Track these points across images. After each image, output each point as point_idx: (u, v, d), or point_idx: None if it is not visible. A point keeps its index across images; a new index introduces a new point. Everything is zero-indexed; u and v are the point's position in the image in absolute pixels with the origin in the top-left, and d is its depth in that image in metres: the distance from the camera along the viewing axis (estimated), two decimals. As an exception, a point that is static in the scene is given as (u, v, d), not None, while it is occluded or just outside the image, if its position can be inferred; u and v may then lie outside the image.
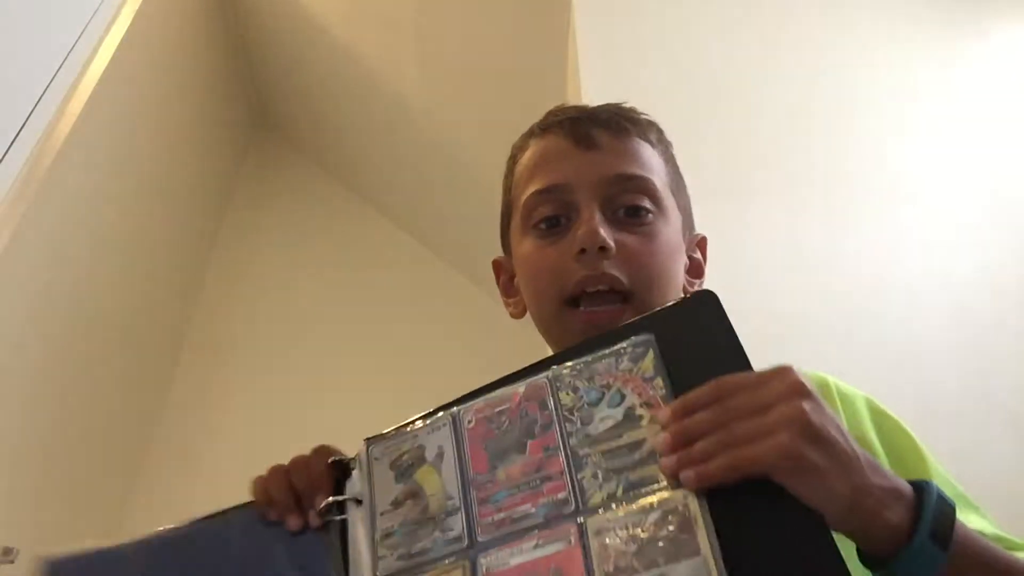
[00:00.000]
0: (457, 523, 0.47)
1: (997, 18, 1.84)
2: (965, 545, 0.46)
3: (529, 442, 0.48)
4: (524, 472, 0.47)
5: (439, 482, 0.49)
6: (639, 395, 0.46)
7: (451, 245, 2.88)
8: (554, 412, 0.48)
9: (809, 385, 0.45)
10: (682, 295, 0.71)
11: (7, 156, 1.32)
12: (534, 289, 0.71)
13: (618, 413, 0.46)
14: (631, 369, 0.47)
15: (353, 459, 0.55)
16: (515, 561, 0.44)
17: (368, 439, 0.54)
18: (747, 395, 0.45)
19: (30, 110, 1.38)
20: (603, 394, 0.48)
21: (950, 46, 1.80)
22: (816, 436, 0.42)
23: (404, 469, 0.51)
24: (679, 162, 0.79)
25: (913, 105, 1.71)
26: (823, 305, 1.41)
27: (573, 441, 0.47)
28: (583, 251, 0.65)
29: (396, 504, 0.50)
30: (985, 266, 1.50)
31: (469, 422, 0.50)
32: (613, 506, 0.43)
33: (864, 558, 0.47)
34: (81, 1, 1.57)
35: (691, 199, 0.78)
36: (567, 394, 0.48)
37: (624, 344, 0.49)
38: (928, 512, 0.45)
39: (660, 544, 0.41)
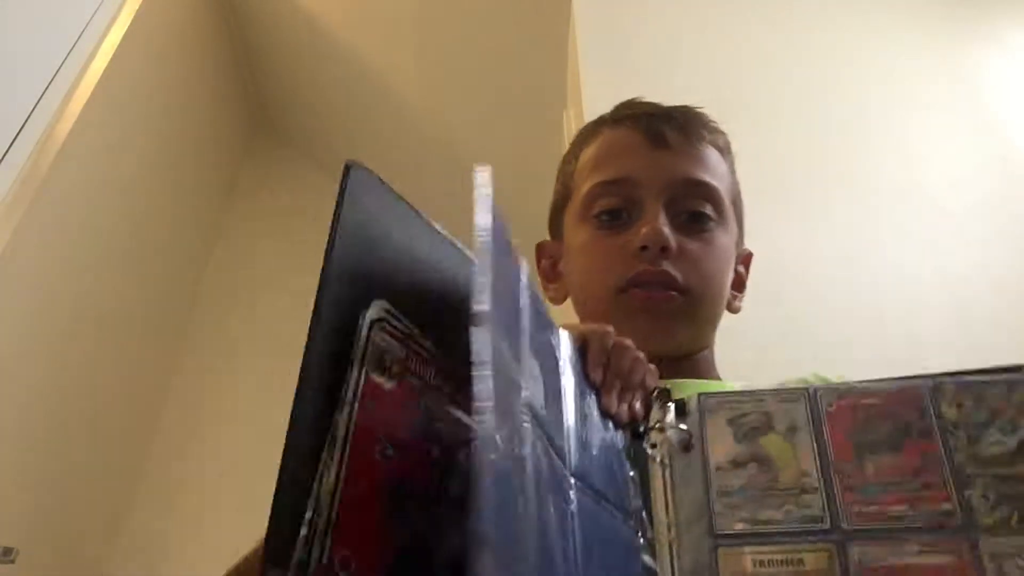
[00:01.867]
0: (816, 502, 0.44)
1: (1005, 22, 1.84)
2: None
3: (906, 440, 0.45)
4: (898, 472, 0.44)
5: (792, 455, 0.46)
6: None
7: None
8: (934, 421, 0.46)
9: None
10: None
11: (7, 156, 1.32)
12: (587, 277, 0.71)
13: (1011, 441, 0.44)
14: None
15: (667, 389, 0.50)
16: (894, 561, 0.41)
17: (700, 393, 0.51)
18: None
19: (30, 110, 1.38)
20: (993, 418, 0.45)
21: (956, 48, 1.80)
22: None
23: (746, 432, 0.47)
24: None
25: (915, 106, 1.71)
26: (824, 305, 1.41)
27: (958, 457, 0.44)
28: (644, 248, 0.65)
29: (736, 464, 0.46)
30: (986, 265, 1.50)
31: (829, 405, 0.47)
32: (1006, 533, 0.41)
33: None
34: (81, 1, 1.57)
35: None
36: (950, 407, 0.46)
37: (1020, 377, 0.47)
38: None
39: None
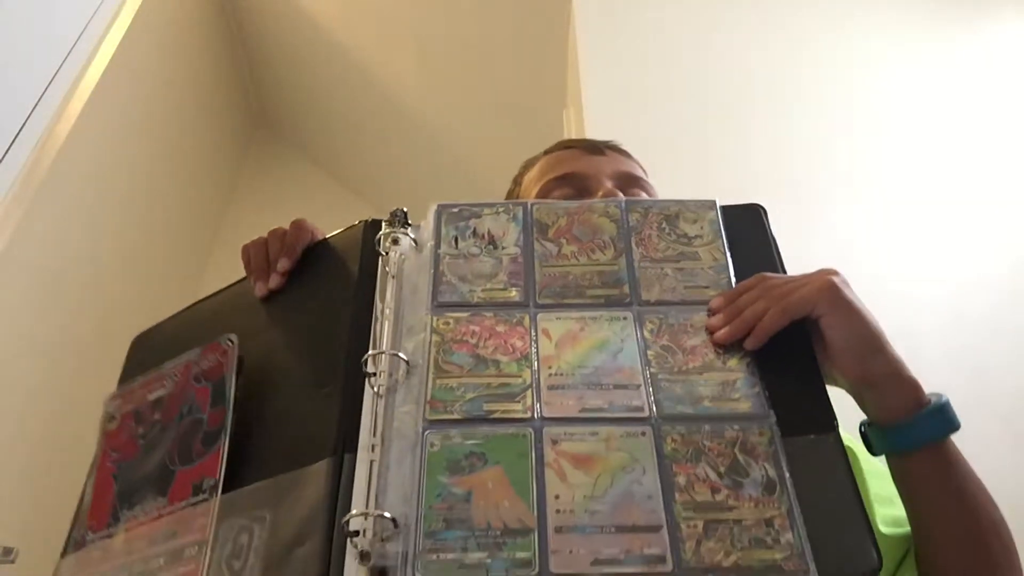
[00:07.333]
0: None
1: (993, 17, 1.84)
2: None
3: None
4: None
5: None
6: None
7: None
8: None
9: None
10: None
11: (7, 156, 1.32)
12: None
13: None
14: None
15: (403, 210, 0.63)
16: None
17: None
18: (786, 279, 0.55)
19: (30, 110, 1.38)
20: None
21: (946, 47, 1.81)
22: (846, 286, 0.54)
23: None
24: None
25: (910, 107, 1.71)
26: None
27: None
28: None
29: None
30: (982, 268, 1.50)
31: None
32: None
33: (872, 432, 0.54)
34: (81, 1, 1.57)
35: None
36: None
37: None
38: (941, 396, 0.54)
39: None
